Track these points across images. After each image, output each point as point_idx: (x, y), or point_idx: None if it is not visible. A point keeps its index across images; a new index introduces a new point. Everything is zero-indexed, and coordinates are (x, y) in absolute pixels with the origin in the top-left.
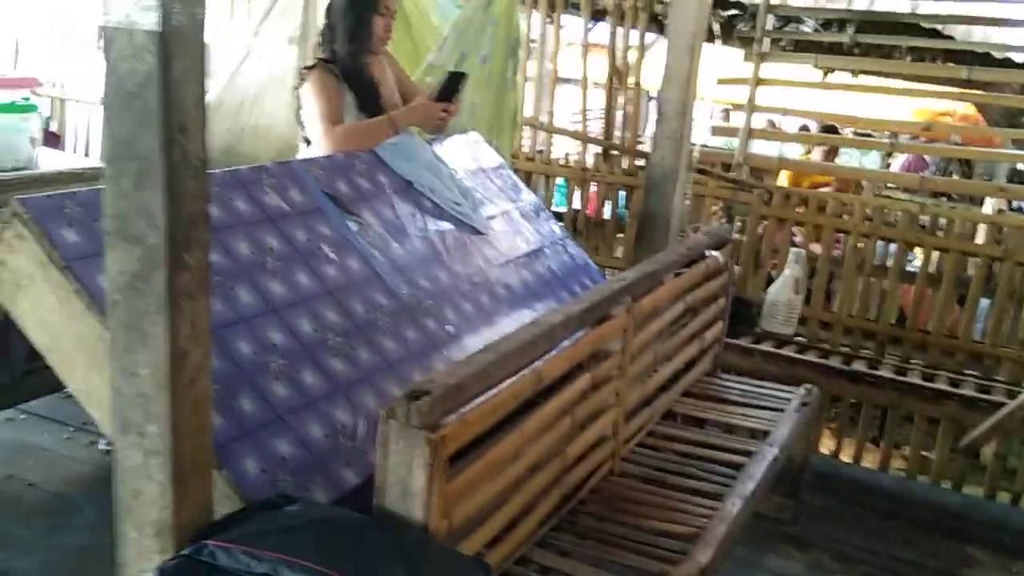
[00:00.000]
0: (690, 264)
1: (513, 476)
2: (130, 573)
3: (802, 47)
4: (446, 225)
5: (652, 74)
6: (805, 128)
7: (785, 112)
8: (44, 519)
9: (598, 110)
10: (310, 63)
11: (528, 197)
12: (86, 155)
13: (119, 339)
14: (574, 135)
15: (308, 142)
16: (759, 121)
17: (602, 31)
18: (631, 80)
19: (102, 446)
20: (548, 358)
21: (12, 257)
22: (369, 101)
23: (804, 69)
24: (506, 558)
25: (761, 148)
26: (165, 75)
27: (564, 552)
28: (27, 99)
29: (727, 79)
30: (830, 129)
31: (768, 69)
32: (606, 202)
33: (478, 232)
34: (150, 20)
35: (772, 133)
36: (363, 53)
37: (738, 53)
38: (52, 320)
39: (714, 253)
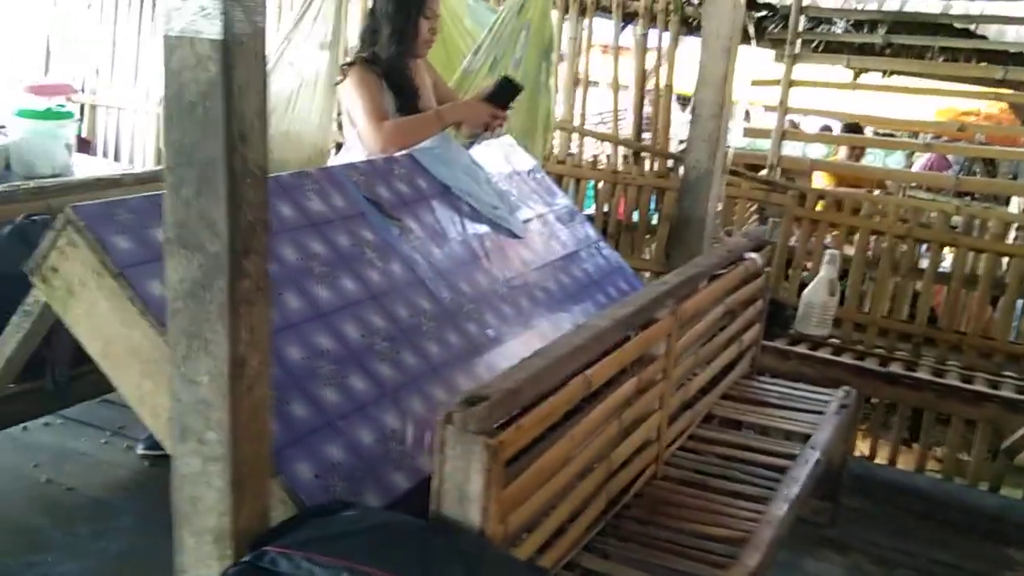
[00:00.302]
0: (729, 267)
1: (563, 481)
2: None
3: (833, 48)
4: (484, 229)
5: (677, 76)
6: (827, 128)
7: (817, 113)
8: (84, 524)
9: (621, 112)
10: (349, 60)
11: (562, 200)
12: (116, 159)
13: (179, 347)
14: (606, 137)
15: (339, 147)
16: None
17: (626, 33)
18: (659, 82)
19: (139, 451)
20: (597, 362)
21: (65, 264)
22: (409, 104)
23: (834, 70)
24: (555, 563)
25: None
26: (227, 84)
27: (611, 557)
28: (62, 106)
29: (760, 81)
30: (854, 129)
31: (795, 70)
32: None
33: (515, 236)
34: (213, 29)
35: (795, 134)
36: (407, 56)
37: (767, 54)
38: (105, 327)
39: (753, 255)
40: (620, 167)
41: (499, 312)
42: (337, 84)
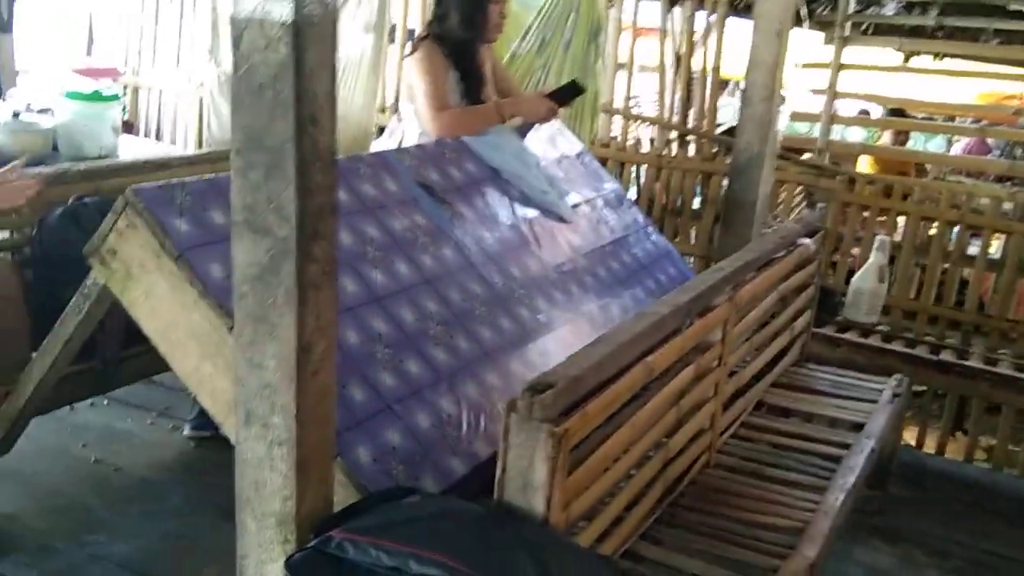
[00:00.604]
0: (783, 252)
1: (624, 469)
2: (250, 564)
3: (883, 30)
4: (533, 213)
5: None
6: (864, 112)
7: (863, 98)
8: (133, 504)
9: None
10: (421, 34)
11: (610, 184)
12: (158, 140)
13: (245, 331)
14: (654, 121)
15: (380, 131)
16: (819, 106)
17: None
18: (706, 64)
19: (185, 432)
20: (657, 349)
21: (125, 246)
22: (473, 88)
23: (882, 53)
24: (614, 551)
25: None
26: (298, 65)
27: (667, 545)
28: (108, 88)
29: (809, 64)
30: (899, 114)
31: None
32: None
33: (564, 220)
34: (284, 10)
35: (840, 118)
36: (475, 41)
37: (816, 37)
38: (164, 309)
39: (806, 241)
40: (664, 151)
41: (549, 297)
42: (406, 57)
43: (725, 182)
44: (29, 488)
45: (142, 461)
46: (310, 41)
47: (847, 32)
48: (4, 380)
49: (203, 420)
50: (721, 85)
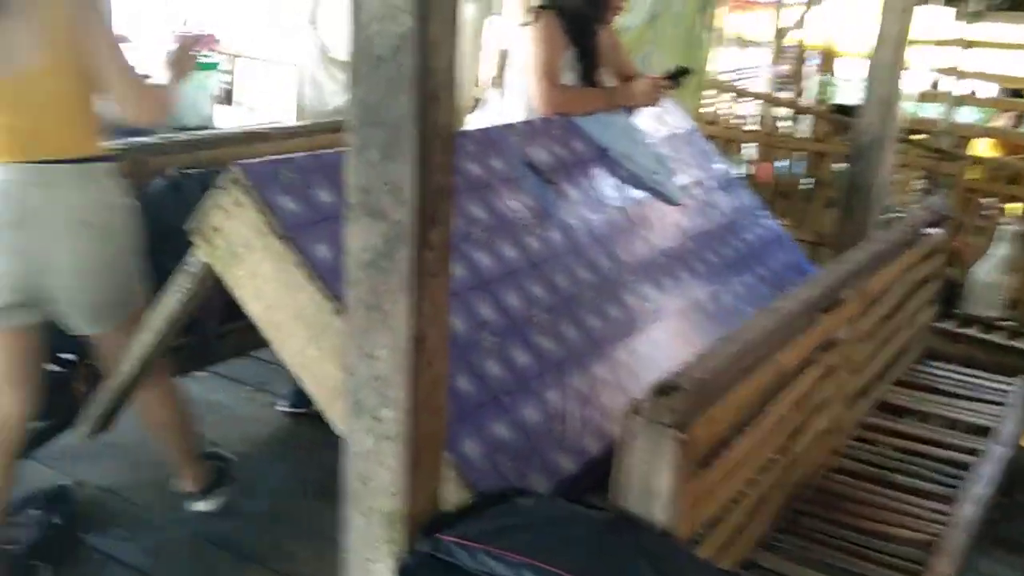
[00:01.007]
0: (909, 242)
1: (747, 475)
2: (355, 560)
3: (1018, 5)
4: (641, 194)
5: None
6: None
7: (986, 78)
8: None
9: (755, 69)
10: (542, 3)
11: (720, 164)
12: (251, 110)
13: (357, 319)
14: (766, 98)
15: (476, 103)
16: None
17: None
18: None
19: (280, 407)
20: (785, 347)
21: (229, 224)
22: (587, 66)
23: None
24: (736, 563)
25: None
26: (421, 37)
27: (788, 555)
28: (208, 55)
29: (937, 40)
30: (1017, 94)
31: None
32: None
33: (673, 202)
34: None
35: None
36: (595, 18)
37: (940, 13)
38: (269, 290)
39: (933, 230)
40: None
41: (657, 283)
42: (523, 25)
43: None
44: (128, 462)
45: (238, 436)
46: (434, 11)
47: (978, 7)
48: None
49: (299, 397)
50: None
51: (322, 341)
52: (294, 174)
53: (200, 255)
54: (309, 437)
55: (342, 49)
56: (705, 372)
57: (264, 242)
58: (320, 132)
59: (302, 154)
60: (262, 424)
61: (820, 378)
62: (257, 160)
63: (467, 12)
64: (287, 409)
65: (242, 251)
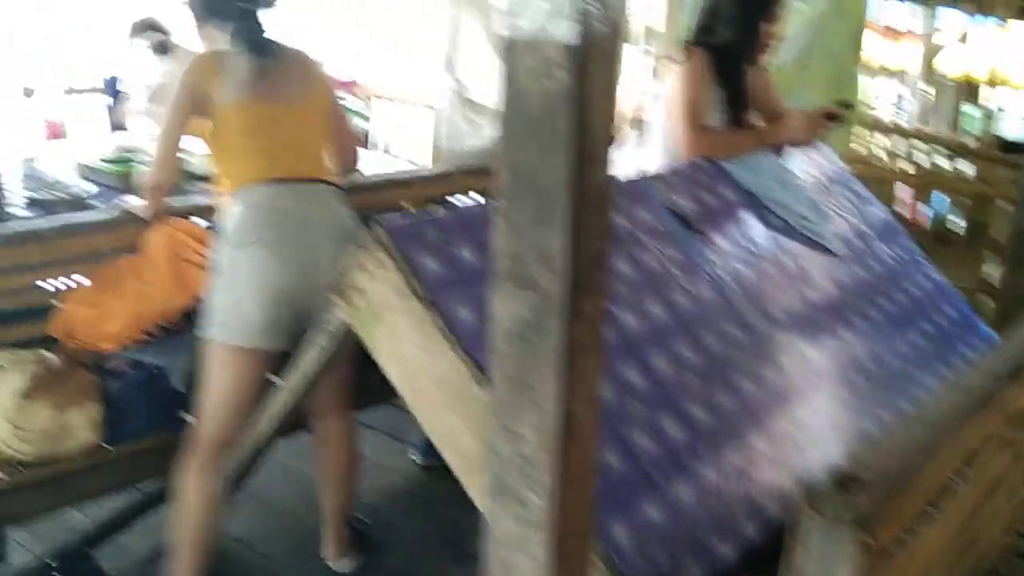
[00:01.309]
0: None
1: (931, 570)
2: None
3: None
4: (795, 244)
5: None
6: None
7: None
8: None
9: (900, 101)
10: (691, 40)
11: (877, 209)
12: (385, 152)
13: (502, 394)
14: (918, 136)
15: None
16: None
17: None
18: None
19: (416, 459)
20: (973, 427)
21: (371, 285)
22: (736, 107)
23: None
24: None
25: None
26: (579, 95)
27: None
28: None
29: None
30: None
31: None
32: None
33: (829, 252)
34: (566, 30)
35: None
36: (744, 58)
37: None
38: (409, 353)
39: None
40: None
41: (815, 341)
42: (671, 61)
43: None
44: (260, 509)
45: (370, 485)
46: (594, 66)
47: None
48: None
49: (433, 448)
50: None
51: (461, 410)
52: (437, 233)
53: (340, 314)
54: (443, 492)
55: (479, 91)
56: (889, 461)
57: (406, 304)
58: (458, 177)
59: (444, 211)
60: (396, 474)
61: (1012, 459)
62: (400, 219)
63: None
64: (422, 460)
65: (383, 313)
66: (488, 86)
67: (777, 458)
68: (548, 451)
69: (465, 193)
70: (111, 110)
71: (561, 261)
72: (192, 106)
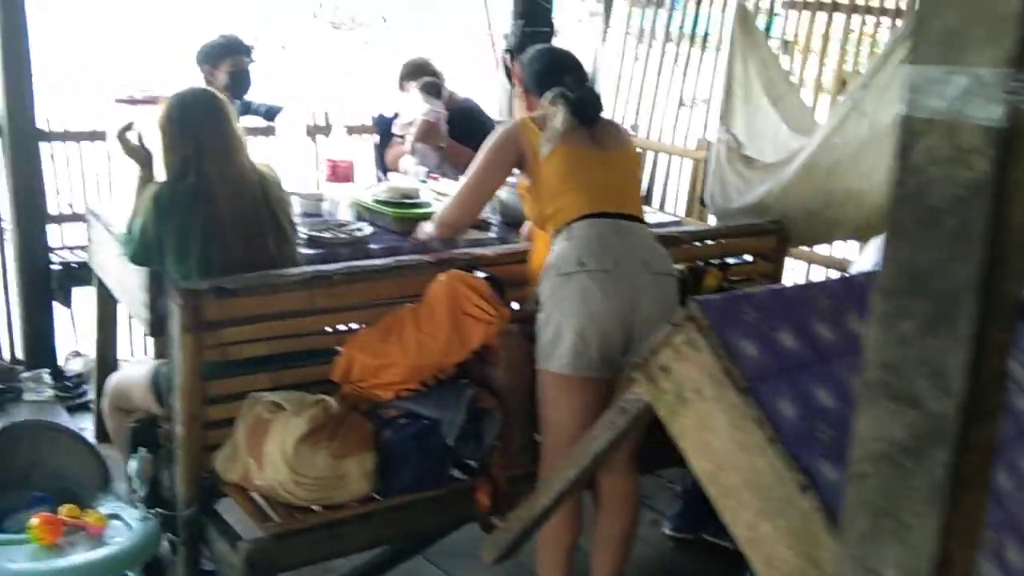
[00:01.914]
0: None
1: None
2: None
3: None
4: None
5: None
6: None
7: None
8: None
9: None
10: None
11: None
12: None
13: (857, 522)
14: None
15: None
16: None
17: None
18: None
19: (666, 530)
20: None
21: (680, 366)
22: None
23: None
24: None
25: None
26: (998, 187)
27: None
28: None
29: None
30: None
31: None
32: None
33: None
34: (989, 111)
35: None
36: None
37: None
38: (719, 446)
39: None
40: None
41: None
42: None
43: None
44: (507, 566)
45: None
46: (1018, 153)
47: None
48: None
49: (684, 520)
50: None
51: (779, 519)
52: (755, 312)
53: (643, 394)
54: (693, 567)
55: (754, 147)
56: None
57: (718, 392)
58: (729, 236)
59: (762, 289)
60: (645, 544)
61: None
62: (716, 297)
63: (893, 112)
64: (672, 532)
65: (691, 398)
66: (762, 142)
67: None
68: None
69: (738, 255)
70: (377, 148)
71: (957, 380)
72: (514, 160)
